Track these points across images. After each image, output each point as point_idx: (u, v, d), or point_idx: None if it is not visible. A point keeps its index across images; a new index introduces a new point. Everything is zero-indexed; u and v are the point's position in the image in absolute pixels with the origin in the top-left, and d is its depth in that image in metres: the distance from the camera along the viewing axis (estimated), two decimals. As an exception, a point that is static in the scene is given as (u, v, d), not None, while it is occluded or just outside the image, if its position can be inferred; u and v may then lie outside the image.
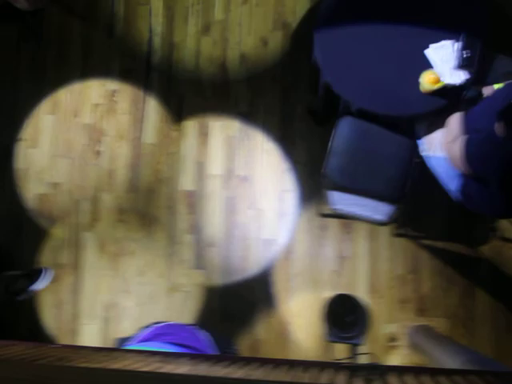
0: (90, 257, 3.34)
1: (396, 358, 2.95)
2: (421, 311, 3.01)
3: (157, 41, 3.45)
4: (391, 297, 3.03)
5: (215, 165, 3.29)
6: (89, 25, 3.54)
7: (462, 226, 3.03)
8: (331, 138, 2.58)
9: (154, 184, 3.33)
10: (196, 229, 3.25)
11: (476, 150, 2.04)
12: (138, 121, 3.40)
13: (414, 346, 2.90)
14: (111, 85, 3.47)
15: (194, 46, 3.42)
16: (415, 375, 1.28)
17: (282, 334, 3.09)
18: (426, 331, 2.90)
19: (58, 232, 3.39)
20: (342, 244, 3.11)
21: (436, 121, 2.38)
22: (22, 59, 3.57)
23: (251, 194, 3.23)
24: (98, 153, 3.41)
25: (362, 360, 1.34)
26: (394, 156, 2.53)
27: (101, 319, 3.28)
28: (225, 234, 3.23)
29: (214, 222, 3.25)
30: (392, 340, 2.98)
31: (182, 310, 3.20)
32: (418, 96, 2.34)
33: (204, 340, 2.30)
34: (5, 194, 3.46)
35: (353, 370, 1.33)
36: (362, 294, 3.02)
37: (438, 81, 2.27)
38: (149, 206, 3.32)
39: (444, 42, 2.32)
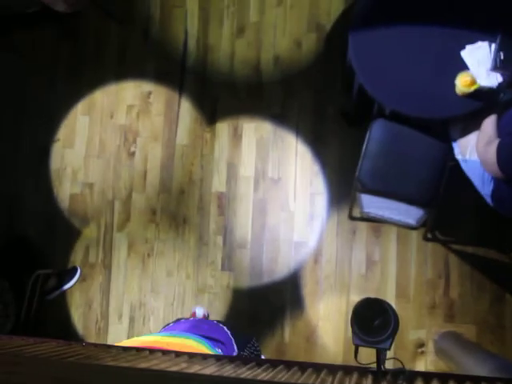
0: (120, 257, 3.38)
1: (423, 364, 2.91)
2: (449, 317, 2.94)
3: (192, 43, 3.48)
4: (419, 302, 2.97)
5: (247, 166, 3.30)
6: (125, 27, 3.59)
7: (494, 231, 2.95)
8: (365, 141, 2.55)
9: (186, 185, 3.35)
10: (226, 230, 3.26)
11: (509, 153, 2.00)
12: (172, 122, 3.43)
13: (442, 353, 2.84)
14: (146, 86, 3.51)
15: (229, 47, 3.43)
16: (441, 381, 1.25)
17: (309, 337, 3.06)
18: (454, 337, 2.84)
19: (90, 232, 3.44)
20: (371, 248, 3.07)
21: (471, 124, 2.33)
22: (60, 60, 3.65)
23: (282, 196, 3.22)
24: (131, 153, 3.45)
25: (388, 365, 1.32)
26: (427, 159, 2.48)
27: (129, 319, 3.31)
28: (255, 236, 3.22)
29: (244, 223, 3.25)
30: (419, 346, 2.93)
31: (210, 311, 3.20)
32: (454, 98, 2.29)
33: (226, 333, 2.29)
34: (40, 194, 3.54)
35: (378, 374, 1.31)
36: (390, 298, 2.97)
37: (474, 83, 2.22)
38: (180, 207, 3.34)
39: (480, 44, 2.27)
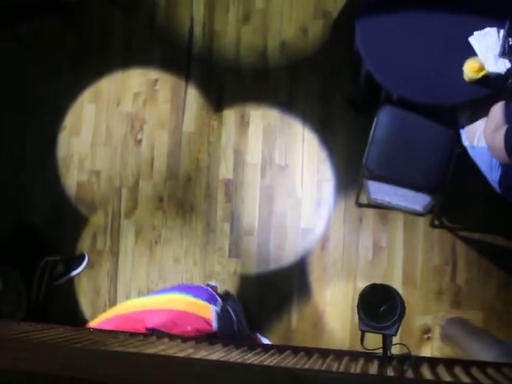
0: (128, 244, 3.40)
1: (429, 350, 2.92)
2: (456, 303, 2.94)
3: (198, 30, 3.47)
4: (426, 288, 2.97)
5: (254, 153, 3.29)
6: (130, 14, 3.58)
7: (502, 218, 2.94)
8: (372, 128, 2.54)
9: (193, 172, 3.36)
10: (233, 217, 3.27)
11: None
12: (179, 109, 3.43)
13: (448, 338, 2.85)
14: (152, 74, 3.50)
15: (235, 34, 3.42)
16: (448, 367, 1.26)
17: (316, 323, 3.07)
18: (461, 323, 2.84)
19: (98, 219, 3.46)
20: (378, 234, 3.07)
21: (479, 110, 2.32)
22: (65, 49, 3.65)
23: (289, 182, 3.22)
24: (138, 141, 3.46)
25: (394, 351, 1.33)
26: (434, 146, 2.47)
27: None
28: (262, 223, 3.23)
29: (251, 210, 3.25)
30: (426, 332, 2.93)
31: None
32: (461, 84, 2.28)
33: (207, 289, 2.56)
34: (48, 182, 3.55)
35: (384, 360, 1.32)
36: (396, 284, 2.98)
37: (482, 69, 2.21)
38: (187, 194, 3.35)
39: (488, 29, 2.25)
